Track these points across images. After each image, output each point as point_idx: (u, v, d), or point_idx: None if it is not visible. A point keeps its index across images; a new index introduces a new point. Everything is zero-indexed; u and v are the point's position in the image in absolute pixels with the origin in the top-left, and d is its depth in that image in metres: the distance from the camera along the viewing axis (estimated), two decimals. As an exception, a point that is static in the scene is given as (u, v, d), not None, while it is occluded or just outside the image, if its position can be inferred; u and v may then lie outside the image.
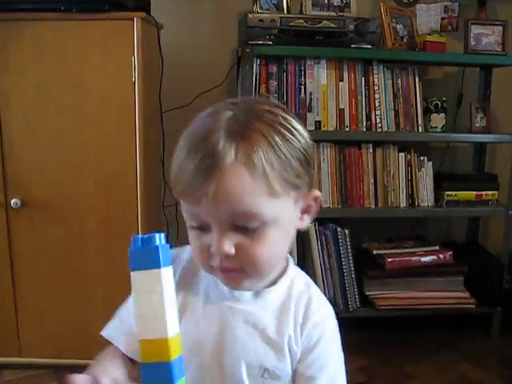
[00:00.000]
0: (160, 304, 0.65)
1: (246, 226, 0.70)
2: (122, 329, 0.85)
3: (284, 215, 0.72)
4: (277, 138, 0.69)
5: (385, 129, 2.15)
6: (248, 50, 2.01)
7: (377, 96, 2.14)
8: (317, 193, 0.78)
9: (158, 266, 0.65)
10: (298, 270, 0.85)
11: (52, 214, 1.86)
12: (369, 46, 2.08)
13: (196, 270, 0.81)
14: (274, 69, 2.06)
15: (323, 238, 2.14)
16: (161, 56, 2.00)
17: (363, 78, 2.13)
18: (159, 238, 0.66)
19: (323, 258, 2.14)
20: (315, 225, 2.13)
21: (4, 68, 1.78)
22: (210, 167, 0.66)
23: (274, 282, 0.80)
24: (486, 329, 2.34)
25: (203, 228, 0.71)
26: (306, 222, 0.79)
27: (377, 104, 2.14)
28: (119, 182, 1.84)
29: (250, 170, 0.67)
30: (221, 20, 2.35)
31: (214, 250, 0.70)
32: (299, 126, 0.73)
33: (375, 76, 2.14)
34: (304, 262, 2.13)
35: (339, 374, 0.79)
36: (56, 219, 1.86)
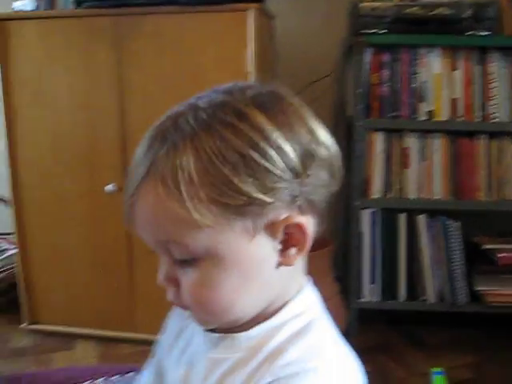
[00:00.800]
0: None
1: (175, 257, 0.58)
2: None
3: (230, 249, 0.56)
4: (211, 145, 0.54)
5: (501, 119, 2.06)
6: (360, 40, 2.00)
7: (492, 85, 2.05)
8: (298, 219, 0.57)
9: None
10: (309, 311, 0.65)
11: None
12: (486, 33, 2.00)
13: None
14: (386, 58, 2.03)
15: (433, 230, 2.09)
16: (274, 46, 2.03)
17: (478, 67, 2.06)
18: None
19: (432, 251, 2.09)
20: (425, 217, 2.09)
21: (127, 61, 1.88)
22: (128, 181, 0.59)
23: (257, 323, 0.62)
24: None
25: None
26: (295, 257, 0.60)
27: (492, 93, 2.05)
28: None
29: (164, 186, 0.54)
30: (330, 9, 2.35)
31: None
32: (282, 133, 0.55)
33: (491, 64, 2.05)
34: (413, 253, 2.11)
35: None
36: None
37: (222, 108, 0.57)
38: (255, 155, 0.53)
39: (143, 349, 2.09)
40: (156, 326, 2.09)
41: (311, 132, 0.58)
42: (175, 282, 0.60)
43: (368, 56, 2.02)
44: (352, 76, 2.11)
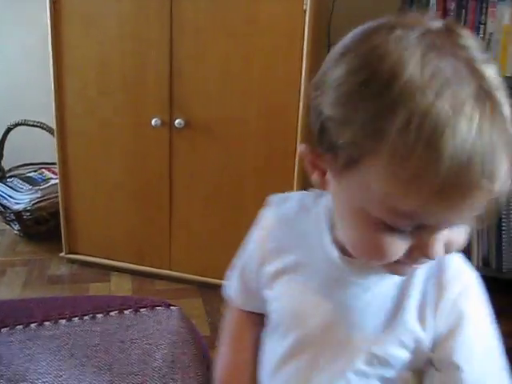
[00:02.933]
0: None
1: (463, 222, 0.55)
2: (241, 285, 0.83)
3: None
4: None
5: None
6: (425, -17, 1.88)
7: None
8: None
9: None
10: None
11: (213, 137, 1.91)
12: None
13: (304, 227, 0.69)
14: (452, 5, 1.91)
15: (484, 191, 2.00)
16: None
17: (552, 20, 1.92)
18: None
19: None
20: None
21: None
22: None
23: None
24: None
25: (401, 228, 0.53)
26: None
27: None
28: (282, 112, 1.83)
29: None
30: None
31: (426, 253, 0.54)
32: None
33: None
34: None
35: (494, 361, 0.63)
36: (216, 142, 1.91)
37: None
38: None
39: (177, 287, 2.10)
40: (191, 265, 2.11)
41: None
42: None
43: (432, 1, 1.91)
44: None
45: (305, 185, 1.74)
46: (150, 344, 0.92)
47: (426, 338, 0.62)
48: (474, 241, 2.01)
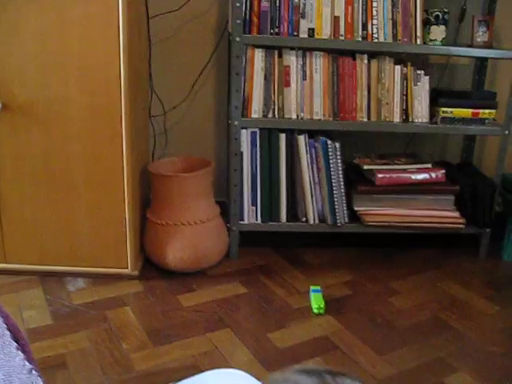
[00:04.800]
0: None
1: None
2: None
3: None
4: None
5: (381, 39, 2.05)
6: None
7: (374, 4, 2.03)
8: None
9: None
10: None
11: (35, 119, 1.80)
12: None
13: None
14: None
15: (313, 150, 2.09)
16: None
17: (361, -15, 2.02)
18: None
19: (312, 171, 2.09)
20: (305, 137, 2.08)
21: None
22: None
23: None
24: (473, 250, 2.34)
25: None
26: None
27: (374, 13, 2.03)
28: (103, 88, 1.77)
29: None
30: None
31: None
32: None
33: (374, -17, 2.03)
34: (293, 174, 2.10)
35: None
36: (39, 124, 1.81)
37: None
38: None
39: (15, 279, 1.98)
40: (27, 254, 2.00)
41: None
42: None
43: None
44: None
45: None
46: None
47: None
48: (308, 197, 2.11)
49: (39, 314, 1.82)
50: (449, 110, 2.15)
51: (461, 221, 2.21)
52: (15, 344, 0.83)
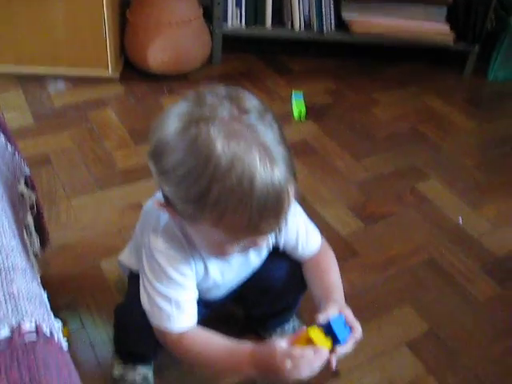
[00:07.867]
0: None
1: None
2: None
3: None
4: None
5: None
6: None
7: None
8: None
9: None
10: None
11: None
12: None
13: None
14: None
15: None
16: None
17: None
18: None
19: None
20: None
21: None
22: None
23: None
24: (460, 68, 2.30)
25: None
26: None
27: None
28: None
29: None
30: None
31: (255, 246, 0.79)
32: None
33: None
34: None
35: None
36: None
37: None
38: None
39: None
40: (2, 54, 1.91)
41: None
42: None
43: None
44: None
45: None
46: None
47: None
48: (295, 1, 2.01)
49: (20, 114, 1.81)
50: None
51: (450, 35, 2.14)
52: None
